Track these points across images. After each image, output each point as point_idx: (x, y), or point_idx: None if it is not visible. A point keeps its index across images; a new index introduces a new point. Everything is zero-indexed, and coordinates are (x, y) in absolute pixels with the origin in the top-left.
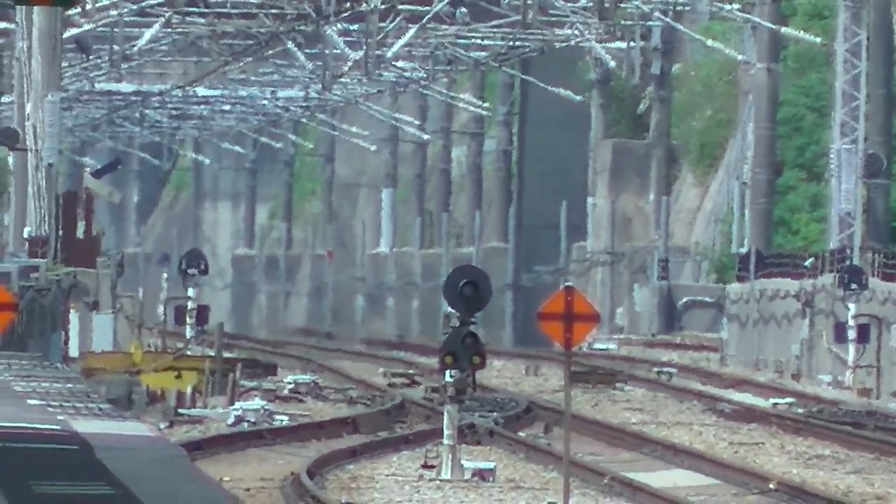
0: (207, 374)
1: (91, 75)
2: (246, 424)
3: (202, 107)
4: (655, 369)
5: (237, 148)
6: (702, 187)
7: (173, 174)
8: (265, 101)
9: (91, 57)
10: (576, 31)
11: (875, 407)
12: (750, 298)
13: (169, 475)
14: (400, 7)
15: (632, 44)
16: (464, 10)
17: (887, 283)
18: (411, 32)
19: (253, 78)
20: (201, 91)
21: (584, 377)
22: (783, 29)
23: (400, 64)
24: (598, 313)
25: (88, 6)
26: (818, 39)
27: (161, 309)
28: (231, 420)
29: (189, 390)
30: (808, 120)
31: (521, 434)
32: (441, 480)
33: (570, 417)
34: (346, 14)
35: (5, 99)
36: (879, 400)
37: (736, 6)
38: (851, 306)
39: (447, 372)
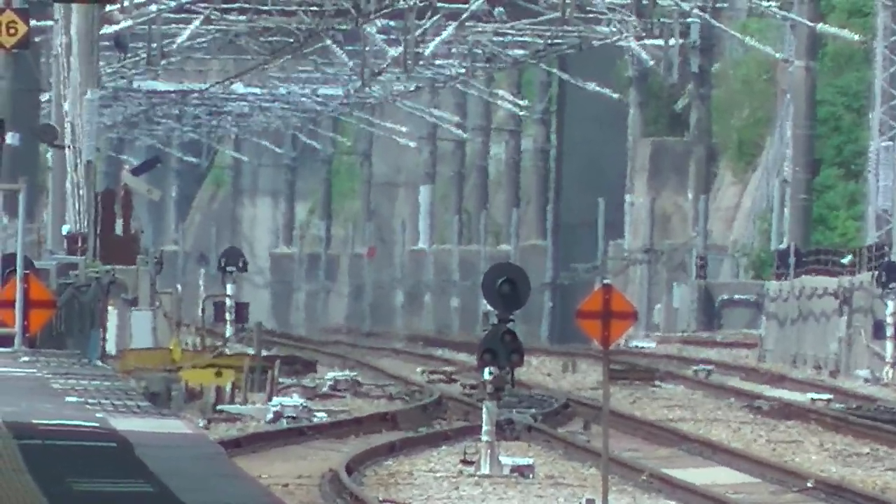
0: (246, 371)
1: (129, 73)
2: (285, 421)
3: (241, 104)
4: (693, 367)
5: (275, 147)
6: (740, 185)
7: (212, 172)
8: (304, 99)
9: (129, 54)
10: (614, 29)
11: None
12: (789, 296)
13: (208, 472)
14: (438, 5)
15: (670, 41)
16: (501, 8)
17: None
18: (449, 30)
19: (292, 75)
20: (240, 88)
21: (622, 374)
22: (821, 26)
23: (438, 61)
24: (635, 311)
25: (126, 3)
26: (857, 37)
27: (200, 306)
28: (270, 417)
29: (228, 387)
30: (846, 118)
31: (560, 430)
32: (480, 476)
33: (609, 414)
34: (384, 11)
35: (44, 98)
36: None
37: (774, 3)
38: (890, 303)
39: (486, 369)
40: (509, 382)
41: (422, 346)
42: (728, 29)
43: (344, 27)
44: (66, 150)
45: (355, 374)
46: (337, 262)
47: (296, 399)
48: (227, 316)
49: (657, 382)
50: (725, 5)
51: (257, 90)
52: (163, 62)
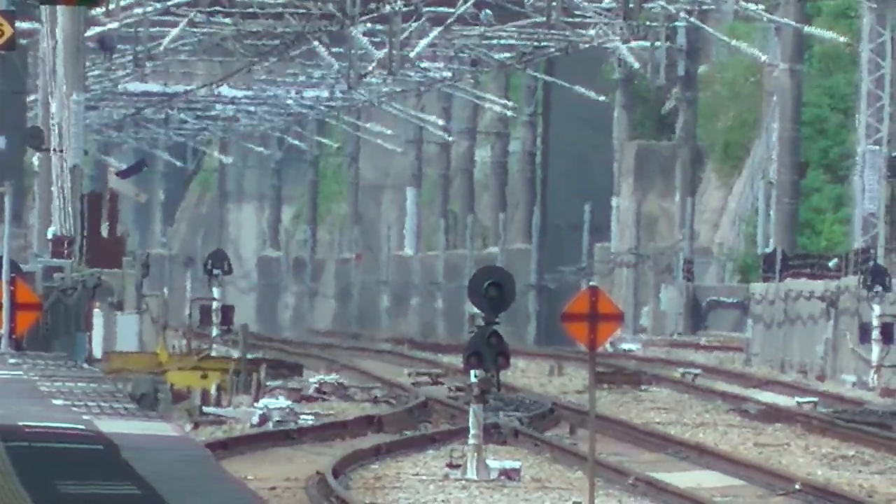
0: (232, 374)
1: (115, 75)
2: (271, 424)
3: (227, 107)
4: (680, 370)
5: (262, 149)
6: (726, 188)
7: (198, 175)
8: (290, 101)
9: (115, 57)
10: (600, 32)
11: None
12: (775, 299)
13: (194, 475)
14: (424, 9)
15: (656, 44)
16: (488, 11)
17: None
18: (435, 33)
19: (278, 78)
20: (226, 91)
21: (609, 377)
22: (807, 28)
23: (424, 64)
24: (622, 313)
25: (112, 6)
26: (843, 39)
27: (186, 309)
28: (255, 419)
29: (214, 390)
30: (833, 121)
31: (547, 434)
32: (466, 480)
33: (595, 418)
34: (371, 14)
35: (30, 98)
36: None
37: (761, 6)
38: (876, 307)
39: (472, 372)
40: (495, 385)
41: (408, 349)
42: (715, 32)
43: (330, 30)
44: (53, 153)
45: (340, 377)
46: (323, 265)
47: (282, 402)
48: (214, 319)
49: (644, 386)
50: (712, 8)
51: (243, 93)
52: (148, 65)
